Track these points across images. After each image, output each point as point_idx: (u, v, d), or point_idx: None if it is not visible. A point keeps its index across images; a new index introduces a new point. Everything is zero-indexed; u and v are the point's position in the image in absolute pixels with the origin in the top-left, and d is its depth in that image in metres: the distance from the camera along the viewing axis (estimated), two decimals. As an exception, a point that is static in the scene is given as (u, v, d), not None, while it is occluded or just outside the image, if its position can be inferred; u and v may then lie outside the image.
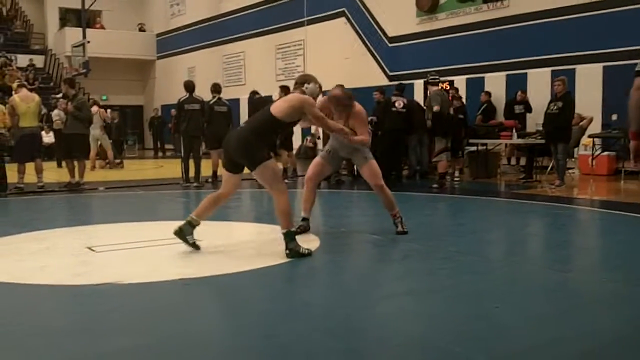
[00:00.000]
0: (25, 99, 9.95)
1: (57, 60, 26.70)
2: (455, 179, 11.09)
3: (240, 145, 5.03)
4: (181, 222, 5.27)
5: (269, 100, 12.30)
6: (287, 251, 5.00)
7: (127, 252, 5.36)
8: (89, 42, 22.75)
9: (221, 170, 11.36)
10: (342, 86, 6.02)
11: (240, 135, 5.09)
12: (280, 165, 11.71)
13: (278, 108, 5.10)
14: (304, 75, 5.57)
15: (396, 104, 10.49)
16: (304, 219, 6.06)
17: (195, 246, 5.26)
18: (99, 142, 15.13)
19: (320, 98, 5.61)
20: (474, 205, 8.59)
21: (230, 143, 5.13)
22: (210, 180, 11.48)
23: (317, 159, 6.14)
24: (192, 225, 5.26)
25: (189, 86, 11.32)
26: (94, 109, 15.42)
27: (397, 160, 10.96)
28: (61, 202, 9.24)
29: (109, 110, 17.35)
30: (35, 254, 5.30)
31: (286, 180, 11.74)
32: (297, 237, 5.10)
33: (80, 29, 23.86)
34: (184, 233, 5.22)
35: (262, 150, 5.06)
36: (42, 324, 3.54)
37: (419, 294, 4.16)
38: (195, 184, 10.90)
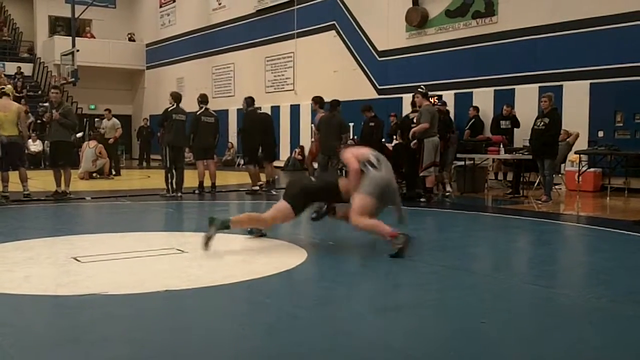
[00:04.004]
0: (2, 108, 9.83)
1: (46, 69, 26.60)
2: (447, 193, 11.10)
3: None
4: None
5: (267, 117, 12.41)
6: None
7: (113, 263, 5.32)
8: (78, 50, 22.69)
9: (207, 181, 11.44)
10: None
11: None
12: (263, 178, 11.74)
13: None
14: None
15: (415, 120, 10.61)
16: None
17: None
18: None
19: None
20: (461, 220, 8.61)
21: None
22: (196, 191, 11.44)
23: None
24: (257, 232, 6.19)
25: (178, 97, 11.31)
26: (92, 143, 15.49)
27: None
28: (47, 212, 9.17)
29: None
30: (19, 263, 5.25)
31: (274, 192, 11.79)
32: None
33: (69, 38, 23.81)
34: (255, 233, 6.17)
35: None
36: (27, 334, 3.50)
37: (405, 308, 4.16)
38: (179, 194, 10.84)
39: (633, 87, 11.78)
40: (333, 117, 11.27)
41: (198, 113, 11.56)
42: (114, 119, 16.87)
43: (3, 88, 10.38)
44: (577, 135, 11.94)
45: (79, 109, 25.05)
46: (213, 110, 12.10)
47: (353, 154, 5.84)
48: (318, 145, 11.91)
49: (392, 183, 5.84)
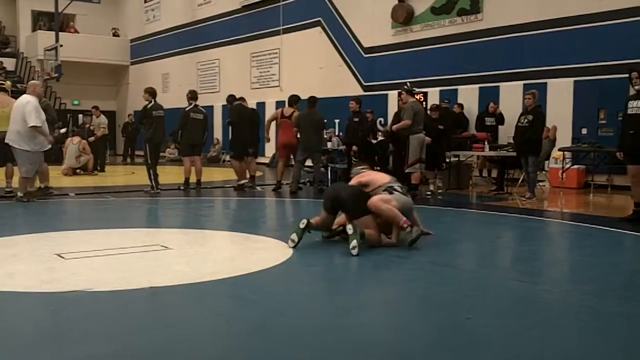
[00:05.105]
0: (0, 103, 9.73)
1: (29, 64, 26.34)
2: (439, 191, 11.15)
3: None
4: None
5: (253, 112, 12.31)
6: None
7: (97, 260, 5.29)
8: (61, 45, 22.48)
9: (193, 177, 11.40)
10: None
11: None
12: (248, 174, 11.72)
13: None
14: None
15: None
16: None
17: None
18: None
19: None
20: (446, 217, 8.64)
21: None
22: (182, 187, 11.39)
23: None
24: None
25: (154, 92, 11.21)
26: (76, 139, 15.34)
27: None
28: (30, 208, 9.08)
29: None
30: (2, 260, 5.20)
31: (259, 188, 11.77)
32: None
33: (53, 33, 23.59)
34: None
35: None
36: (10, 331, 3.48)
37: (392, 304, 4.17)
38: (158, 190, 10.77)
39: (616, 84, 11.84)
40: (314, 115, 11.23)
41: (187, 109, 11.50)
42: (102, 117, 16.71)
43: (2, 84, 10.26)
44: (555, 128, 12.00)
45: (62, 104, 24.86)
46: (201, 107, 12.04)
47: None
48: (285, 139, 11.61)
49: (411, 204, 6.21)
